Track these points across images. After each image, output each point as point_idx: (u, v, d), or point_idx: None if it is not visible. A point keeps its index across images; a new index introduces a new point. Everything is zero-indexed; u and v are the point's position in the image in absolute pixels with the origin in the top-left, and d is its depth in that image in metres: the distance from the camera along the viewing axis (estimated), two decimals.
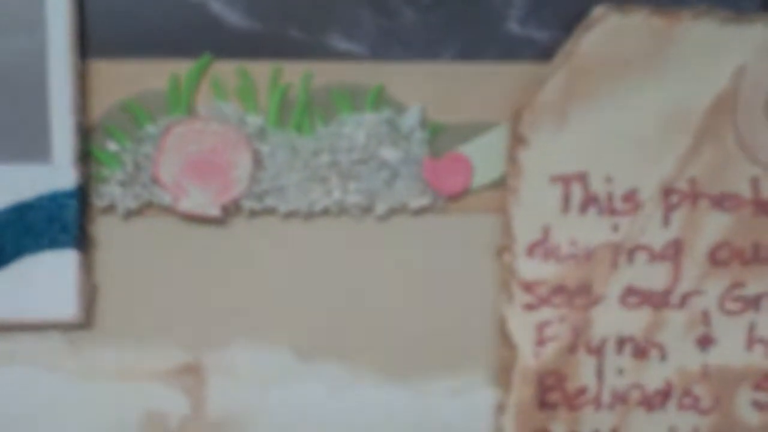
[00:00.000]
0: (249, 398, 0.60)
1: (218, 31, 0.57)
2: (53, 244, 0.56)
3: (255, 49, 0.57)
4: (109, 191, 0.57)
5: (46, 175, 0.55)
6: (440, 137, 0.58)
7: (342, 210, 0.58)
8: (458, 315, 0.60)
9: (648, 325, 0.60)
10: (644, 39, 0.57)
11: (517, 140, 0.58)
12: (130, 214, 0.58)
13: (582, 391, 0.60)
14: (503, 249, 0.59)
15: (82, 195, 0.56)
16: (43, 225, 0.56)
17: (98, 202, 0.57)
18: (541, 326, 0.59)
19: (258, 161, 0.57)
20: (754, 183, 0.59)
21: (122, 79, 0.56)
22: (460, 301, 0.60)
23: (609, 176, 0.58)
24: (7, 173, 0.55)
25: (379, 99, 0.58)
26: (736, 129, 0.58)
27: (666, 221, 0.59)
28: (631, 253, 0.59)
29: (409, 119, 0.58)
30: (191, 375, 0.59)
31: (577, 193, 0.58)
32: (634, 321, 0.59)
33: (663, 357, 0.60)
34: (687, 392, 0.60)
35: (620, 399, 0.60)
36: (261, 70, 0.57)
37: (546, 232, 0.59)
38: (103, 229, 0.58)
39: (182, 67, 0.57)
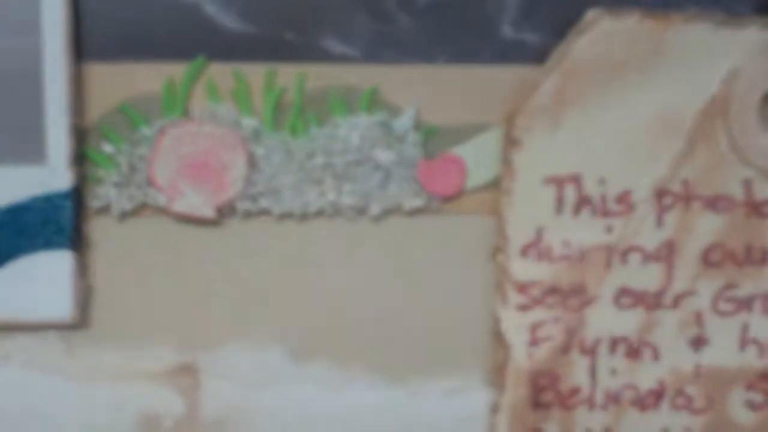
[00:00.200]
0: (244, 399, 0.60)
1: (213, 34, 0.57)
2: (48, 245, 0.56)
3: (249, 51, 0.57)
4: (104, 192, 0.57)
5: (41, 177, 0.55)
6: (434, 139, 0.59)
7: (336, 211, 0.59)
8: (452, 315, 0.61)
9: (641, 326, 0.60)
10: (637, 42, 0.57)
11: (511, 142, 0.58)
12: (125, 216, 0.58)
13: (575, 391, 0.60)
14: (497, 250, 0.59)
15: (77, 196, 0.56)
16: (38, 226, 0.56)
17: (93, 203, 0.57)
18: (534, 327, 0.59)
19: (252, 163, 0.58)
20: (747, 185, 0.59)
21: (117, 81, 0.57)
22: (453, 302, 0.60)
23: (602, 178, 0.58)
24: (1, 174, 0.55)
25: (373, 101, 0.58)
26: (729, 131, 0.59)
27: (659, 222, 0.59)
28: (625, 254, 0.59)
29: (403, 121, 0.58)
30: (186, 376, 0.60)
31: (570, 194, 0.58)
32: (628, 321, 0.60)
33: (656, 357, 0.60)
34: (680, 392, 0.61)
35: (613, 399, 0.60)
36: (255, 72, 0.57)
37: (539, 233, 0.59)
38: (98, 230, 0.58)
39: (177, 70, 0.57)
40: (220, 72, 0.57)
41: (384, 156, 0.58)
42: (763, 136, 0.59)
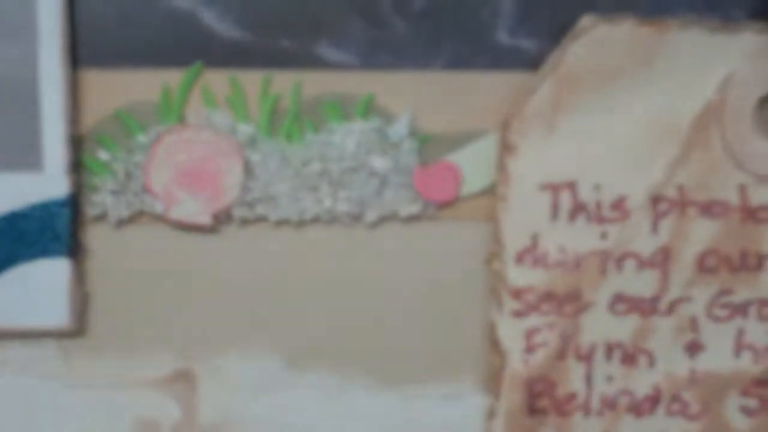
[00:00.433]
0: (240, 406, 0.60)
1: (209, 41, 0.57)
2: (45, 252, 0.56)
3: (246, 58, 0.57)
4: (101, 200, 0.57)
5: (37, 184, 0.55)
6: (430, 146, 0.59)
7: (332, 218, 0.59)
8: (448, 322, 0.61)
9: (636, 332, 0.60)
10: (632, 48, 0.57)
11: (506, 149, 0.58)
12: (121, 223, 0.58)
13: (571, 397, 0.60)
14: (492, 256, 0.59)
15: (73, 204, 0.56)
16: (35, 234, 0.56)
17: (90, 210, 0.57)
18: (530, 333, 0.60)
19: (249, 170, 0.58)
20: (742, 190, 0.59)
21: (113, 88, 0.57)
22: (449, 308, 0.61)
23: (598, 184, 0.59)
24: None
25: (369, 108, 0.58)
26: (724, 137, 0.59)
27: (654, 229, 0.59)
28: (620, 260, 0.59)
29: (399, 128, 0.58)
30: (183, 383, 0.60)
31: (566, 201, 0.59)
32: (623, 328, 0.60)
33: (651, 363, 0.60)
34: (676, 398, 0.61)
35: (609, 405, 0.61)
36: (252, 79, 0.57)
37: (535, 239, 0.59)
38: (95, 237, 0.58)
39: (173, 77, 0.57)
40: (216, 79, 0.57)
41: (380, 163, 0.58)
42: (758, 141, 0.59)
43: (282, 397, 0.60)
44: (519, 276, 0.59)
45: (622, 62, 0.57)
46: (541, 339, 0.60)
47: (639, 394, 0.61)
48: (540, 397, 0.60)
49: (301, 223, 0.59)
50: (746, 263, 0.60)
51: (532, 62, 0.58)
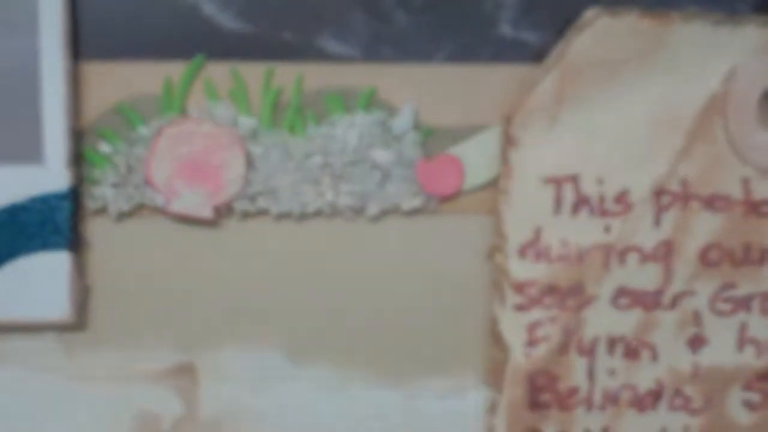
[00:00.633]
0: (241, 399, 0.60)
1: (211, 33, 0.57)
2: (46, 245, 0.56)
3: (248, 51, 0.57)
4: (102, 193, 0.57)
5: (38, 177, 0.55)
6: (432, 139, 0.58)
7: (334, 211, 0.59)
8: (450, 315, 0.61)
9: (639, 326, 0.60)
10: (635, 41, 0.57)
11: (509, 142, 0.58)
12: (122, 216, 0.58)
13: (573, 391, 0.60)
14: (495, 250, 0.59)
15: (74, 197, 0.56)
16: (36, 226, 0.56)
17: (91, 203, 0.57)
18: (532, 327, 0.59)
19: (250, 163, 0.57)
20: (746, 184, 0.59)
21: (115, 80, 0.57)
22: (451, 302, 0.60)
23: (600, 178, 0.58)
24: None
25: (372, 101, 0.58)
26: (728, 130, 0.58)
27: (657, 222, 0.59)
28: (623, 254, 0.59)
29: (402, 121, 0.58)
30: (184, 376, 0.60)
31: (568, 194, 0.58)
32: (626, 321, 0.60)
33: (654, 357, 0.60)
34: (678, 392, 0.61)
35: (611, 399, 0.60)
36: (254, 71, 0.57)
37: (538, 233, 0.59)
38: (96, 230, 0.58)
39: (175, 69, 0.57)
40: (218, 71, 0.57)
41: (382, 156, 0.58)
42: (761, 134, 0.59)
43: (283, 390, 0.60)
44: (521, 270, 0.59)
45: (625, 55, 0.57)
46: (543, 333, 0.59)
47: (641, 389, 0.60)
48: (542, 391, 0.60)
49: (302, 217, 0.59)
50: (749, 257, 0.60)
51: (536, 55, 0.58)
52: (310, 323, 0.60)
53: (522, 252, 0.59)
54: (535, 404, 0.60)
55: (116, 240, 0.58)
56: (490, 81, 0.58)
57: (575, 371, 0.60)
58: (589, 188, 0.58)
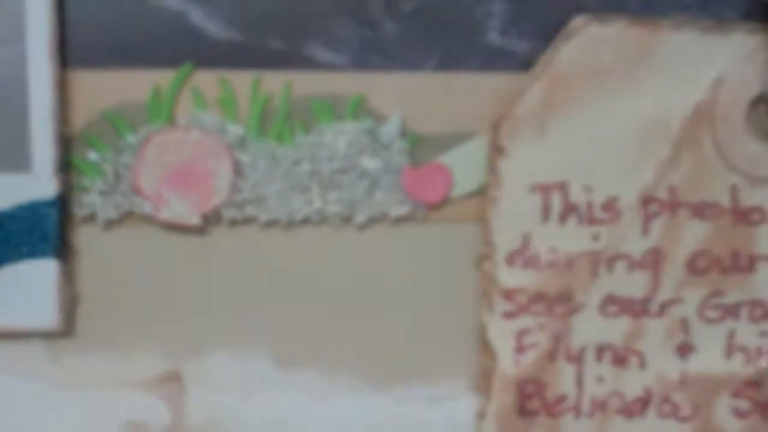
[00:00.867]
0: (229, 407, 0.60)
1: (199, 41, 0.57)
2: (33, 253, 0.56)
3: (236, 59, 0.57)
4: (90, 201, 0.57)
5: (26, 185, 0.55)
6: (420, 147, 0.58)
7: (322, 219, 0.59)
8: (438, 323, 0.61)
9: (627, 333, 0.60)
10: (624, 49, 0.57)
11: (497, 150, 0.58)
12: (110, 224, 0.58)
13: (562, 398, 0.60)
14: (483, 258, 0.59)
15: (62, 204, 0.56)
16: (23, 234, 0.56)
17: (78, 211, 0.57)
18: (520, 334, 0.59)
19: (238, 171, 0.57)
20: (734, 191, 0.59)
21: (103, 88, 0.56)
22: (440, 309, 0.60)
23: (589, 185, 0.58)
24: None
25: (360, 109, 0.58)
26: (716, 138, 0.59)
27: (645, 230, 0.59)
28: (611, 261, 0.59)
29: (390, 129, 0.58)
30: (172, 384, 0.59)
31: (557, 202, 0.58)
32: (614, 329, 0.60)
33: (642, 365, 0.60)
34: (666, 400, 0.61)
35: (600, 407, 0.60)
36: (242, 79, 0.57)
37: (526, 240, 0.59)
38: (84, 238, 0.58)
39: (163, 77, 0.57)
40: (206, 79, 0.57)
41: (370, 164, 0.58)
42: (749, 142, 0.59)
43: (272, 398, 0.60)
44: (510, 277, 0.59)
45: (613, 63, 0.57)
46: (531, 340, 0.59)
47: (629, 396, 0.60)
48: (530, 398, 0.60)
49: (290, 224, 0.59)
50: (738, 265, 0.60)
51: (524, 63, 0.58)
52: (298, 330, 0.60)
53: (510, 260, 0.59)
54: (523, 411, 0.60)
55: (104, 248, 0.58)
56: (479, 89, 0.58)
57: (563, 378, 0.60)
58: (577, 196, 0.58)
